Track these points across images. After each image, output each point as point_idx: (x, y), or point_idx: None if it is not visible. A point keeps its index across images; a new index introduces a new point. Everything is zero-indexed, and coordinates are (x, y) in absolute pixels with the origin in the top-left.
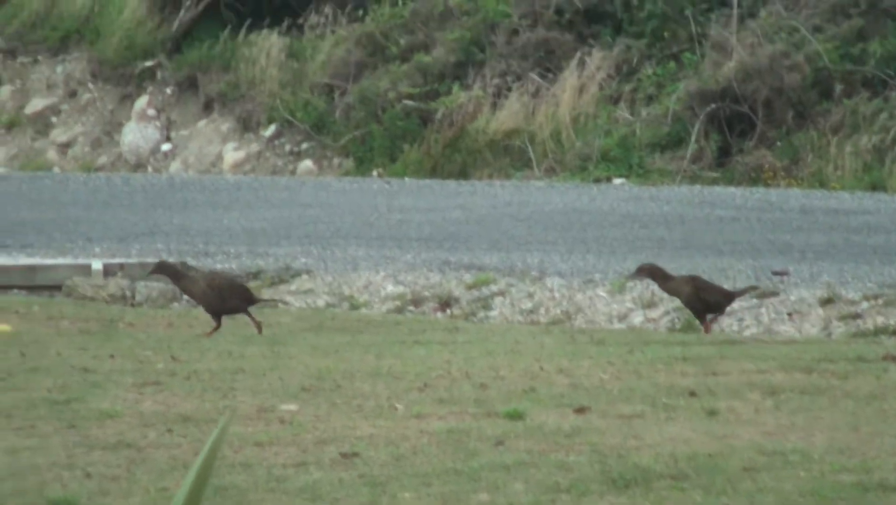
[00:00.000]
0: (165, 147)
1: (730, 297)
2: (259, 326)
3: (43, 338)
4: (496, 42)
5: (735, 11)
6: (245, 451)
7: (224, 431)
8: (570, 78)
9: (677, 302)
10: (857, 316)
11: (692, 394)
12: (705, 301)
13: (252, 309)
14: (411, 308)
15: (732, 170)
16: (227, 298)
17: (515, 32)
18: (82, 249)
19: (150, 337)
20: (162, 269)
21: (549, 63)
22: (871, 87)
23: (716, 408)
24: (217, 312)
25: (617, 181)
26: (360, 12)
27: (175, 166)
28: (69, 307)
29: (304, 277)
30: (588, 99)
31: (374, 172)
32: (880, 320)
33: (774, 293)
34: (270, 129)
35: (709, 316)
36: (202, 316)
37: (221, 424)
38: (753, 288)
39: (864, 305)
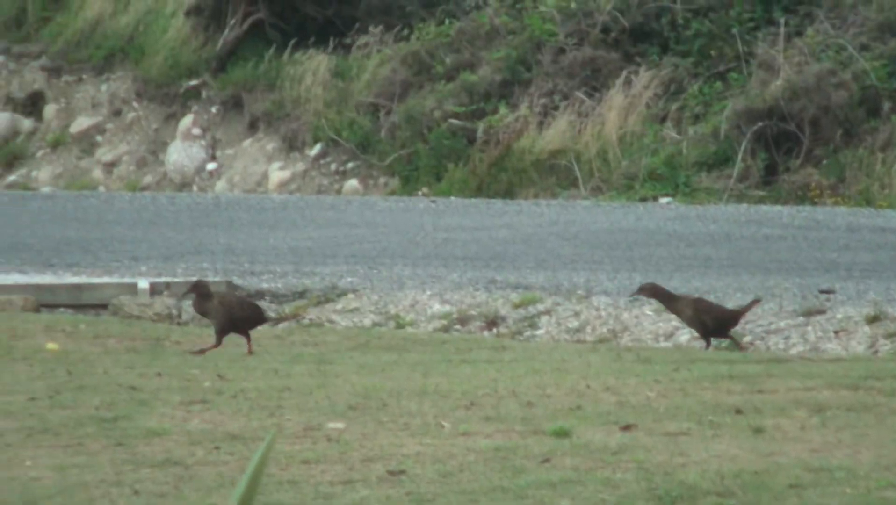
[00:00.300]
0: (211, 166)
1: (735, 316)
2: (250, 347)
3: (90, 356)
4: (542, 61)
5: (782, 30)
6: (292, 468)
7: (269, 448)
8: (616, 97)
9: None
10: None
11: (738, 411)
12: (704, 324)
13: (286, 326)
14: (457, 327)
15: (779, 188)
16: (237, 315)
17: (562, 51)
18: (128, 268)
19: (196, 355)
20: (197, 288)
21: (595, 82)
22: None
23: (762, 425)
24: (223, 331)
25: (663, 200)
26: (406, 31)
27: (220, 185)
28: (116, 326)
29: (351, 295)
30: (635, 118)
31: (420, 192)
32: None
33: (821, 311)
34: (316, 149)
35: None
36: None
37: (267, 442)
38: (756, 301)
39: None
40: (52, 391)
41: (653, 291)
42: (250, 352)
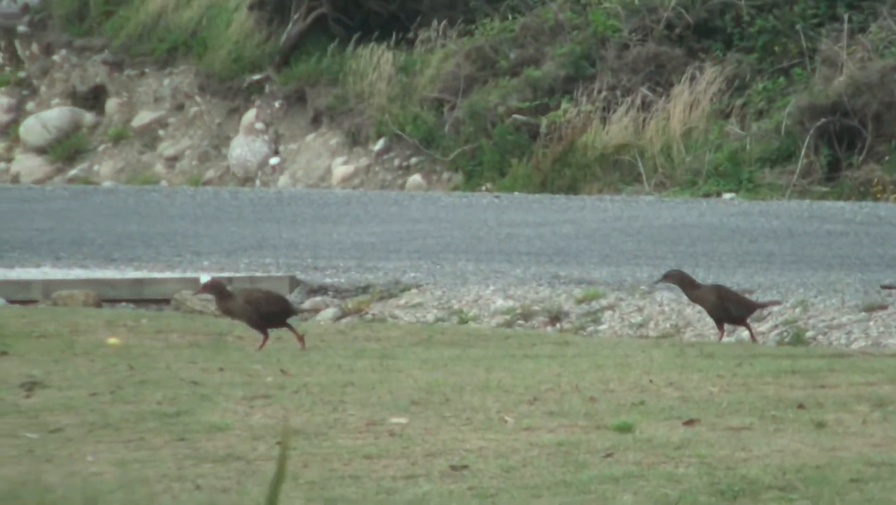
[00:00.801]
0: (273, 161)
1: (751, 308)
2: (301, 338)
3: (152, 351)
4: (606, 56)
5: (846, 26)
6: (354, 463)
7: (286, 446)
8: (681, 93)
9: (786, 315)
10: None
11: (800, 406)
12: (728, 311)
13: (349, 321)
14: (521, 322)
15: (842, 184)
16: (265, 310)
17: (626, 47)
18: (190, 263)
19: (259, 350)
20: (214, 288)
21: (659, 77)
22: None
23: (824, 420)
24: (258, 326)
25: (726, 196)
26: (470, 26)
27: (283, 180)
28: (178, 320)
29: (414, 291)
30: (698, 113)
31: (484, 187)
32: None
33: (883, 307)
34: (379, 144)
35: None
36: (311, 329)
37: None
38: (776, 303)
39: None
40: (114, 386)
41: (678, 279)
42: (303, 345)
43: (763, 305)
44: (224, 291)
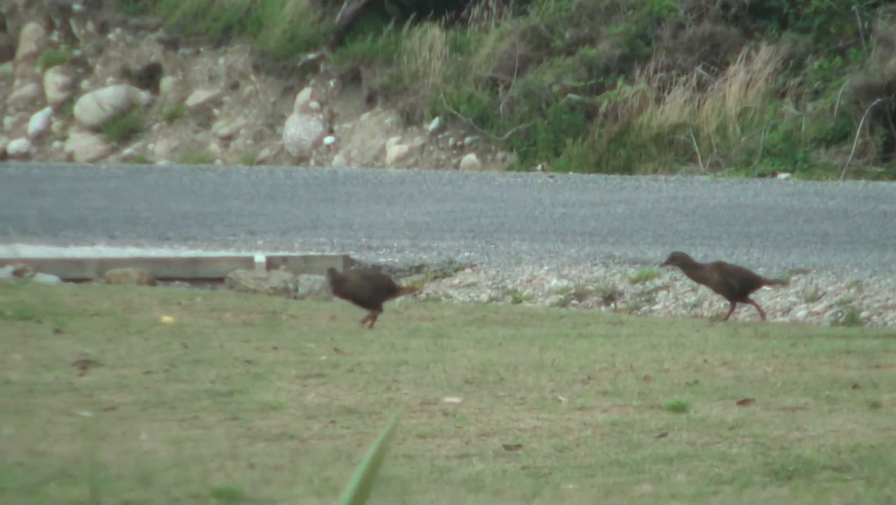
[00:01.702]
0: (328, 140)
1: (758, 281)
2: (373, 323)
3: (206, 330)
4: (662, 36)
5: None
6: (408, 442)
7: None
8: (737, 73)
9: (840, 296)
10: None
11: (855, 386)
12: (732, 287)
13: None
14: (575, 302)
15: None
16: (377, 288)
17: (681, 26)
18: (244, 242)
19: (313, 329)
20: (331, 273)
21: (714, 57)
22: None
23: (879, 400)
24: (372, 304)
25: (781, 176)
26: (525, 6)
27: (338, 160)
28: (232, 299)
29: (468, 270)
30: (754, 93)
31: (539, 167)
32: None
33: None
34: (434, 123)
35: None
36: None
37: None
38: (781, 282)
39: None
40: (168, 365)
41: (681, 261)
42: (371, 326)
43: (769, 282)
44: (340, 276)
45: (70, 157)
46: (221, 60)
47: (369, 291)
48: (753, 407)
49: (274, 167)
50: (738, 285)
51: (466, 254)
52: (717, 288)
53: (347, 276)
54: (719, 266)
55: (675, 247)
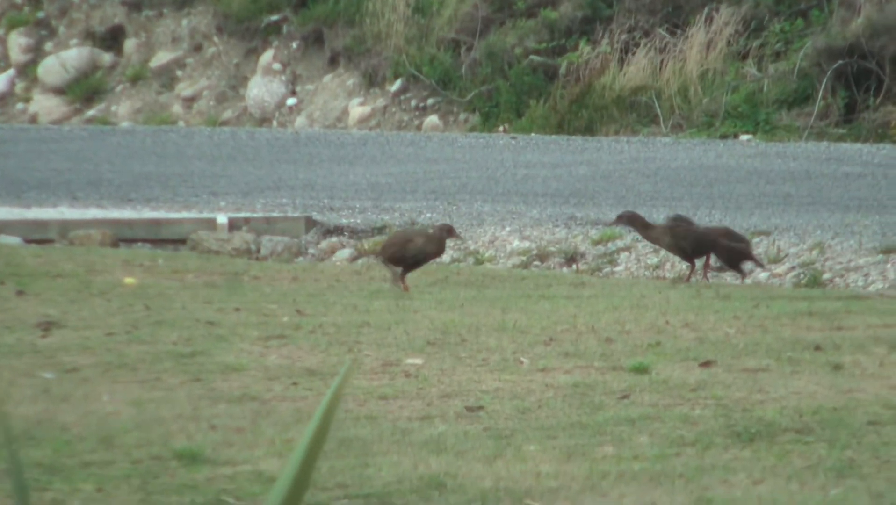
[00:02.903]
0: (291, 102)
1: (714, 240)
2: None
3: (168, 291)
4: None
5: None
6: (370, 404)
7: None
8: (697, 34)
9: (803, 258)
10: None
11: (817, 348)
12: (683, 249)
13: (365, 262)
14: (537, 263)
15: (859, 126)
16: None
17: None
18: (207, 203)
19: (275, 291)
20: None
21: (676, 19)
22: None
23: (841, 362)
24: (400, 262)
25: (743, 137)
26: None
27: (300, 121)
28: (194, 261)
29: (430, 231)
30: (715, 55)
31: (501, 128)
32: None
33: None
34: (396, 85)
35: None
36: (327, 270)
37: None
38: (745, 252)
39: None
40: (130, 326)
41: (631, 219)
42: (406, 288)
43: (730, 247)
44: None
45: (33, 119)
46: (185, 22)
47: (398, 251)
48: (715, 369)
49: (237, 128)
50: (690, 248)
51: (428, 215)
52: (670, 250)
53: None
54: (672, 229)
55: (637, 208)
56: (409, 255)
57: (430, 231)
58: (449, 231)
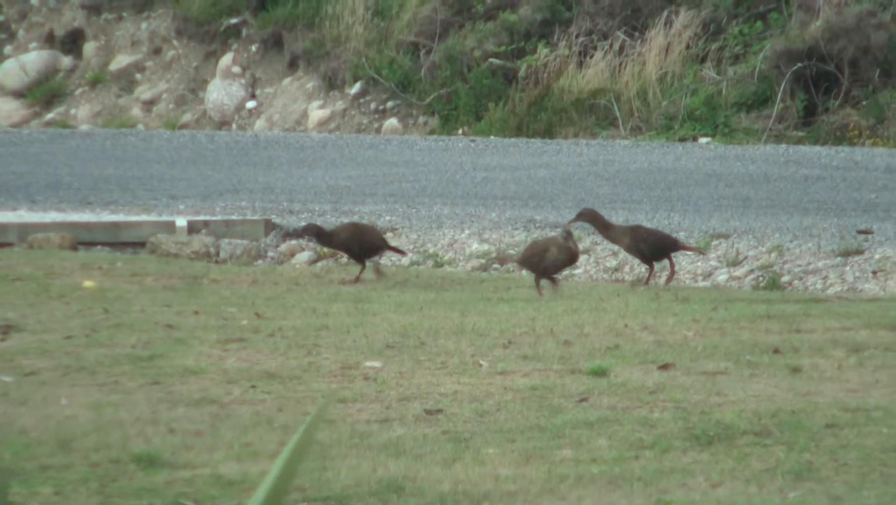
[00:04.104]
0: (250, 105)
1: (674, 243)
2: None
3: (127, 294)
4: (582, 0)
5: None
6: (329, 407)
7: (321, 416)
8: (656, 37)
9: (761, 260)
10: None
11: (776, 351)
12: (642, 252)
13: (324, 265)
14: (496, 266)
15: (818, 129)
16: (364, 242)
17: None
18: (166, 207)
19: (234, 294)
20: (309, 231)
21: (635, 21)
22: None
23: (799, 365)
24: (358, 256)
25: (702, 140)
26: None
27: (260, 124)
28: (153, 264)
29: (389, 234)
30: (674, 58)
31: (460, 131)
32: None
33: (859, 251)
34: (356, 88)
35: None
36: (286, 273)
37: (319, 408)
38: (698, 250)
39: None
40: (89, 329)
41: (591, 217)
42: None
43: (687, 248)
44: (325, 231)
45: None
46: (144, 25)
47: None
48: (674, 372)
49: (196, 132)
50: (648, 252)
51: (388, 218)
52: (629, 251)
53: (343, 229)
54: (632, 231)
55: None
56: (547, 263)
57: (560, 240)
58: (567, 236)
